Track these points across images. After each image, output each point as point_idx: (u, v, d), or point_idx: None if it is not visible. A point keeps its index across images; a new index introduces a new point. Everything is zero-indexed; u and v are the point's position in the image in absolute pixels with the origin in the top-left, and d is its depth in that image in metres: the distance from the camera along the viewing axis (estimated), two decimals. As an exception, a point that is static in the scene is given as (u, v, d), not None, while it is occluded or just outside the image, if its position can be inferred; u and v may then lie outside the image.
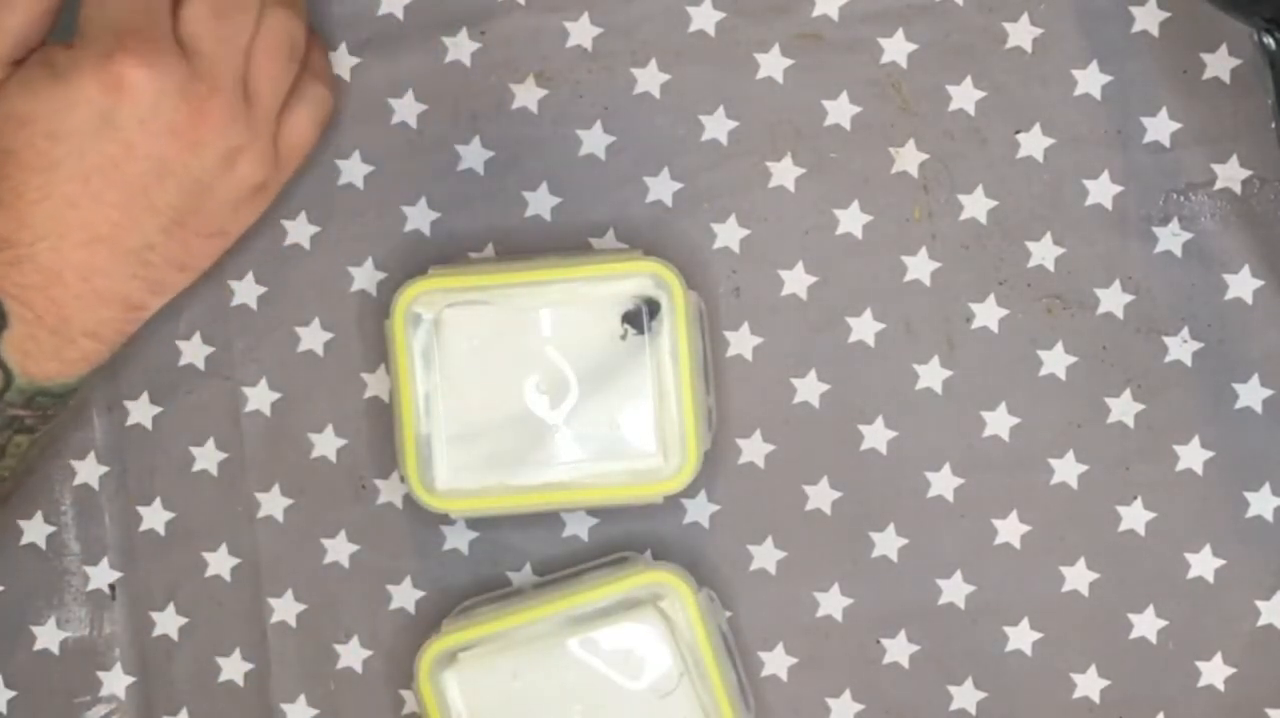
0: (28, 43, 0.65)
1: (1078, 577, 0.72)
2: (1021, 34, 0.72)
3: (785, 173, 0.72)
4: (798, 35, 0.72)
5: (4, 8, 0.65)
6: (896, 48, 0.72)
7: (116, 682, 0.74)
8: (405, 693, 0.74)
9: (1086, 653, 0.72)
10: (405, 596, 0.73)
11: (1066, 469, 0.72)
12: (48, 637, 0.74)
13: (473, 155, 0.73)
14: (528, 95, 0.73)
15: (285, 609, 0.74)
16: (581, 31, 0.73)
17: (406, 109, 0.73)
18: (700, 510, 0.73)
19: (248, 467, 0.74)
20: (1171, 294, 0.72)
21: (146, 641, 0.74)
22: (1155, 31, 0.71)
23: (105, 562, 0.74)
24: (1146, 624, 0.72)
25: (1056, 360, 0.72)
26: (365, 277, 0.73)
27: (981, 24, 0.72)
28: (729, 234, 0.73)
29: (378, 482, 0.74)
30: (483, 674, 0.69)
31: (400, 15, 0.73)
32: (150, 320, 0.74)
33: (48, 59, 0.64)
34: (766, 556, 0.73)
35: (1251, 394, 0.71)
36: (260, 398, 0.74)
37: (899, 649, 0.73)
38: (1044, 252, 0.72)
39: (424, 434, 0.69)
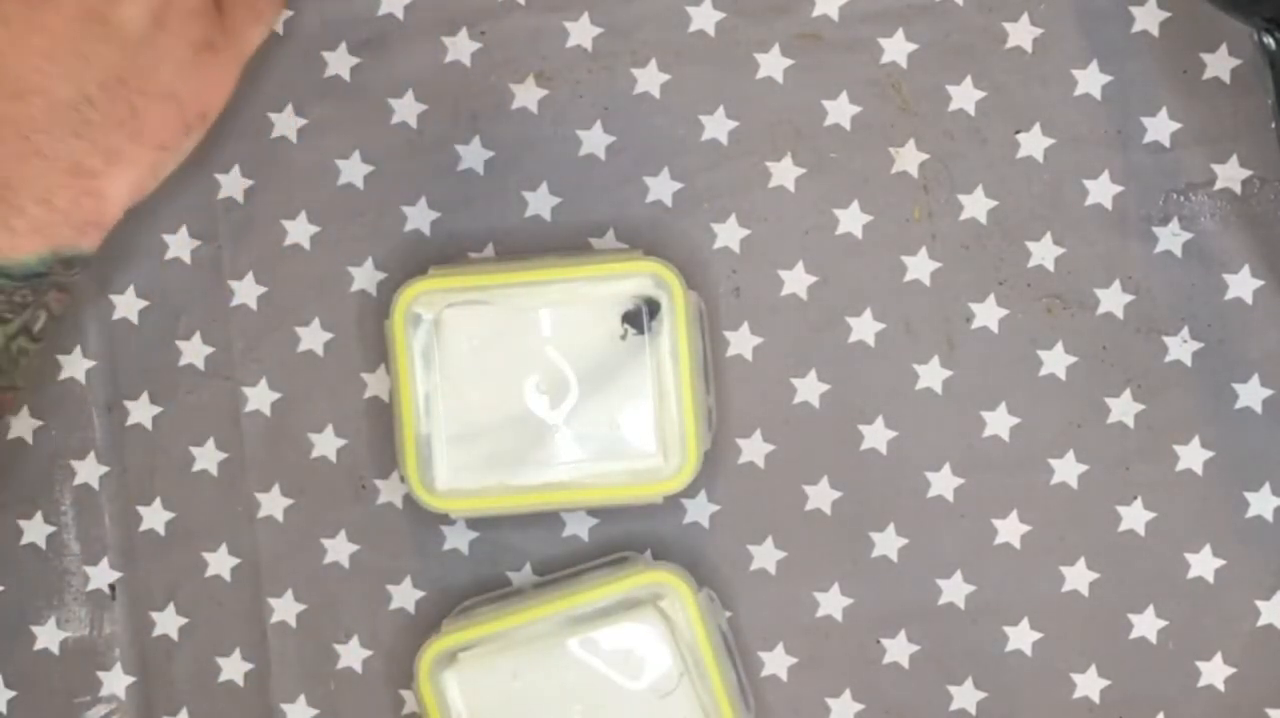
0: None
1: (1078, 577, 0.72)
2: (1021, 34, 0.72)
3: (785, 173, 0.72)
4: (798, 35, 0.72)
5: None
6: (896, 48, 0.72)
7: (116, 682, 0.74)
8: (405, 693, 0.74)
9: (1086, 653, 0.72)
10: (405, 596, 0.73)
11: (1066, 469, 0.72)
12: (48, 637, 0.74)
13: (473, 155, 0.73)
14: (528, 95, 0.73)
15: (285, 609, 0.74)
16: (581, 31, 0.73)
17: (406, 109, 0.73)
18: (700, 510, 0.73)
19: (248, 467, 0.74)
20: (1171, 294, 0.72)
21: (146, 641, 0.74)
22: (1155, 31, 0.71)
23: (105, 562, 0.74)
24: (1146, 624, 0.72)
25: (1056, 360, 0.72)
26: (365, 277, 0.73)
27: (981, 24, 0.72)
28: (729, 234, 0.73)
29: (378, 482, 0.74)
30: (483, 674, 0.69)
31: (400, 15, 0.73)
32: (150, 320, 0.74)
33: None
34: (766, 556, 0.73)
35: (1251, 394, 0.71)
36: (260, 398, 0.74)
37: (899, 649, 0.73)
38: (1044, 252, 0.72)
39: (424, 434, 0.69)
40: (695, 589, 0.69)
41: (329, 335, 0.74)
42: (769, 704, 0.73)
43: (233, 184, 0.74)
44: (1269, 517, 0.72)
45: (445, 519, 0.73)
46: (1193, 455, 0.72)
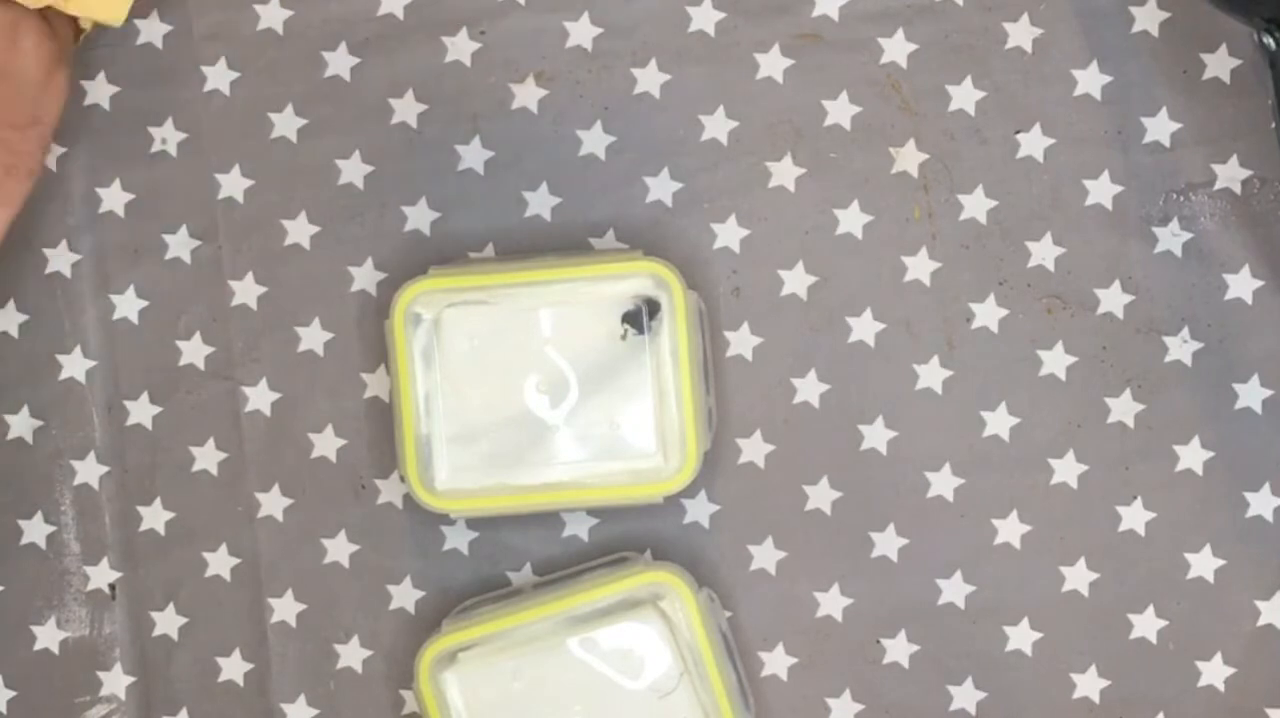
0: None
1: (1078, 577, 0.72)
2: (1021, 34, 0.72)
3: (785, 173, 0.72)
4: (798, 35, 0.72)
5: None
6: (896, 48, 0.72)
7: (116, 682, 0.74)
8: (405, 693, 0.74)
9: (1086, 653, 0.72)
10: (405, 596, 0.73)
11: (1066, 469, 0.72)
12: (48, 637, 0.74)
13: (473, 155, 0.73)
14: (528, 95, 0.73)
15: (285, 609, 0.74)
16: (581, 31, 0.73)
17: (406, 109, 0.73)
18: (700, 510, 0.73)
19: (248, 467, 0.74)
20: (1171, 294, 0.72)
21: (146, 641, 0.74)
22: (1155, 31, 0.71)
23: (105, 562, 0.74)
24: (1146, 624, 0.72)
25: (1056, 360, 0.72)
26: (365, 277, 0.73)
27: (981, 24, 0.72)
28: (729, 234, 0.73)
29: (378, 482, 0.74)
30: (483, 674, 0.69)
31: (400, 15, 0.73)
32: (150, 320, 0.74)
33: None
34: (766, 556, 0.73)
35: (1251, 394, 0.72)
36: (260, 398, 0.74)
37: (899, 649, 0.73)
38: (1044, 252, 0.72)
39: (424, 434, 0.69)
40: (695, 589, 0.69)
41: (329, 335, 0.74)
42: (769, 704, 0.73)
43: (233, 184, 0.74)
44: (1269, 517, 0.72)
45: (445, 519, 0.73)
46: (1193, 455, 0.72)
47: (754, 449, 0.73)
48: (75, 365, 0.74)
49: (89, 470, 0.74)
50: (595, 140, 0.73)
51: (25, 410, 0.74)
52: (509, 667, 0.68)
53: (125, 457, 0.74)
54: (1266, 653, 0.72)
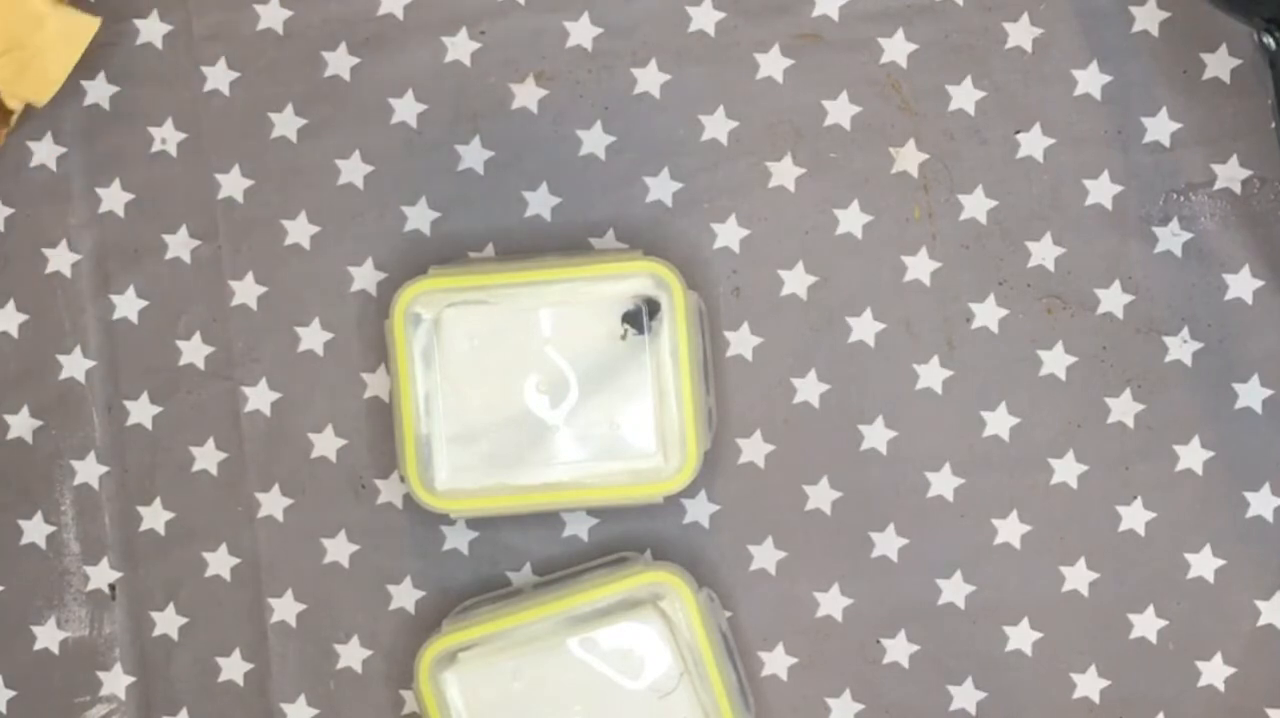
0: None
1: (1078, 577, 0.72)
2: (1021, 34, 0.72)
3: (785, 173, 0.72)
4: (798, 35, 0.72)
5: None
6: (896, 48, 0.72)
7: (116, 682, 0.74)
8: (405, 693, 0.74)
9: (1086, 653, 0.72)
10: (405, 596, 0.73)
11: (1066, 469, 0.72)
12: (48, 637, 0.74)
13: (473, 155, 0.73)
14: (528, 95, 0.73)
15: (285, 609, 0.74)
16: (581, 31, 0.73)
17: (406, 109, 0.73)
18: (700, 510, 0.73)
19: (248, 467, 0.74)
20: (1171, 294, 0.72)
21: (146, 641, 0.74)
22: (1155, 31, 0.71)
23: (105, 562, 0.74)
24: (1146, 624, 0.72)
25: (1056, 360, 0.72)
26: (365, 277, 0.73)
27: (981, 24, 0.72)
28: (729, 234, 0.73)
29: (378, 482, 0.74)
30: (483, 674, 0.69)
31: (400, 15, 0.73)
32: (150, 320, 0.74)
33: None
34: (766, 556, 0.73)
35: (1251, 394, 0.71)
36: (260, 398, 0.74)
37: (899, 649, 0.73)
38: (1044, 252, 0.72)
39: (424, 434, 0.69)
40: (695, 589, 0.69)
41: (329, 335, 0.74)
42: (769, 704, 0.73)
43: (233, 184, 0.74)
44: (1269, 517, 0.72)
45: (445, 519, 0.73)
46: (1193, 455, 0.72)
47: (754, 449, 0.73)
48: (75, 365, 0.74)
49: (89, 470, 0.74)
50: (595, 140, 0.73)
51: (25, 410, 0.74)
52: (509, 667, 0.68)
53: (125, 457, 0.74)
54: (1266, 653, 0.72)
